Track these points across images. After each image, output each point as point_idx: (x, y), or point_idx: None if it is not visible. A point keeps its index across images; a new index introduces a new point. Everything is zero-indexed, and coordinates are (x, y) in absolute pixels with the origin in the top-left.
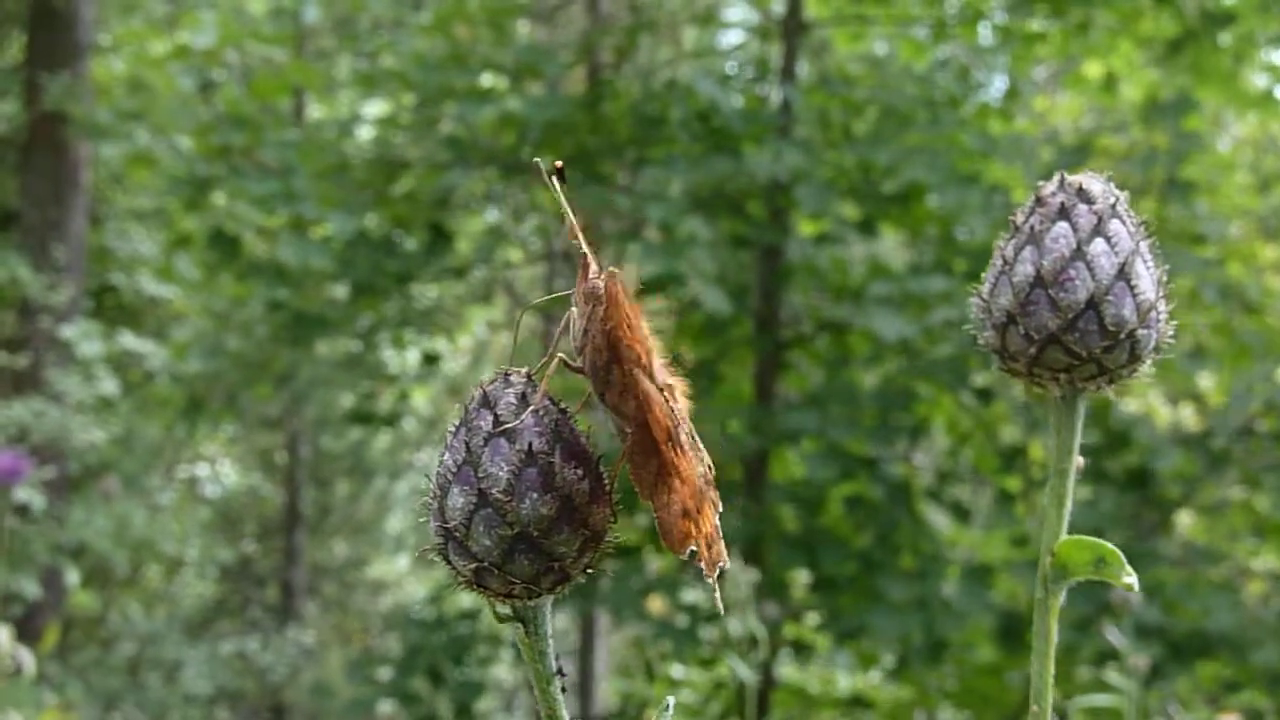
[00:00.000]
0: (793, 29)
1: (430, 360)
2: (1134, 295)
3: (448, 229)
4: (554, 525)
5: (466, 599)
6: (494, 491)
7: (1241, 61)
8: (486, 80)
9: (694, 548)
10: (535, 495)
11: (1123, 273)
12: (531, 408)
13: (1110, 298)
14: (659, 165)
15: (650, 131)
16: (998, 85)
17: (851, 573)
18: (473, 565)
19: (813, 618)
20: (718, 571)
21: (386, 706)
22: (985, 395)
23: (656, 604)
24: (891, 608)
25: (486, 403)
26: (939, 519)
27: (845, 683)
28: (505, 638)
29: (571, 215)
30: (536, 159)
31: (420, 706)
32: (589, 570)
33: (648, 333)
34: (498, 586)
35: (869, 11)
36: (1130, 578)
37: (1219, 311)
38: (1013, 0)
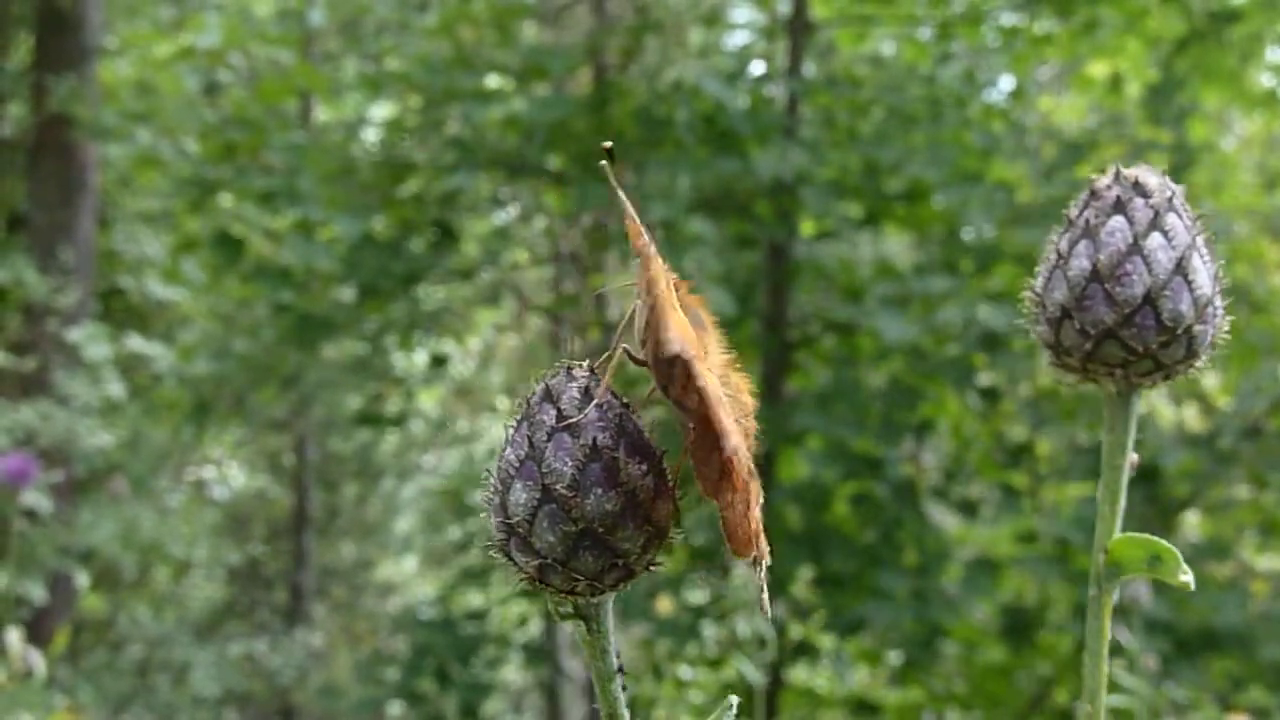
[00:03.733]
0: (798, 29)
1: (438, 362)
2: (1191, 290)
3: (454, 230)
4: (619, 521)
5: (474, 600)
6: (558, 487)
7: (1248, 60)
8: (492, 82)
9: (756, 553)
10: (600, 491)
11: (1180, 267)
12: (595, 402)
13: (1167, 293)
14: (664, 165)
15: (656, 133)
16: (1003, 85)
17: (855, 569)
18: (536, 562)
19: (818, 617)
20: (765, 568)
21: (395, 708)
22: (990, 394)
23: (664, 604)
24: (889, 600)
25: (549, 396)
26: (946, 517)
27: (849, 683)
28: (513, 639)
29: (627, 204)
30: (607, 143)
31: (428, 707)
32: (652, 567)
33: (709, 326)
34: (560, 584)
35: (873, 11)
36: (1186, 575)
37: (1229, 309)
38: (1018, 0)
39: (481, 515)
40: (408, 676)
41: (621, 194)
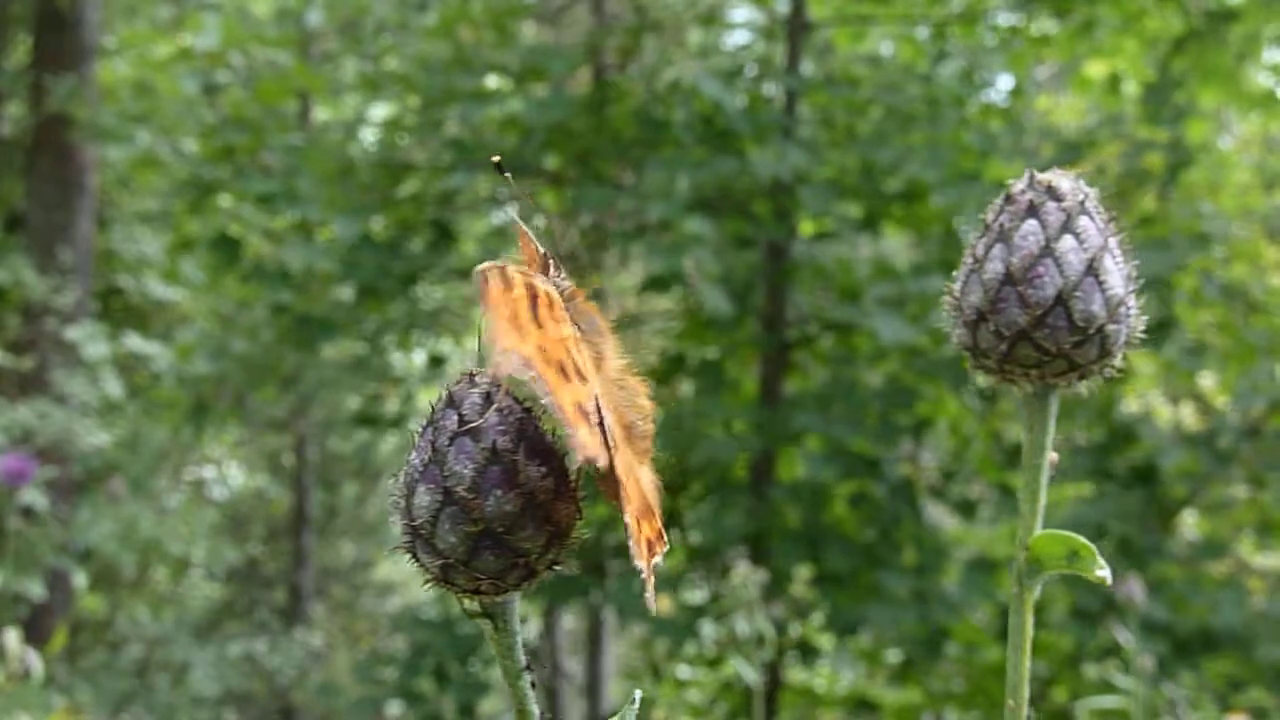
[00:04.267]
0: (796, 29)
1: (436, 362)
2: (1103, 291)
3: (453, 230)
4: (518, 522)
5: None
6: (459, 489)
7: (1245, 60)
8: (491, 82)
9: (659, 556)
10: (499, 493)
11: (1091, 268)
12: (495, 406)
13: (1079, 293)
14: (663, 165)
15: (654, 133)
16: (1001, 85)
17: (853, 569)
18: (439, 562)
19: (818, 617)
20: (653, 566)
21: (394, 708)
22: (988, 394)
23: (663, 604)
24: (889, 601)
25: (452, 402)
26: (944, 517)
27: (847, 682)
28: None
29: (530, 213)
30: (495, 158)
31: (426, 706)
32: (555, 566)
33: (605, 332)
34: (464, 583)
35: (870, 11)
36: (1103, 571)
37: (1223, 310)
38: None
39: (390, 518)
40: (406, 676)
41: (514, 212)
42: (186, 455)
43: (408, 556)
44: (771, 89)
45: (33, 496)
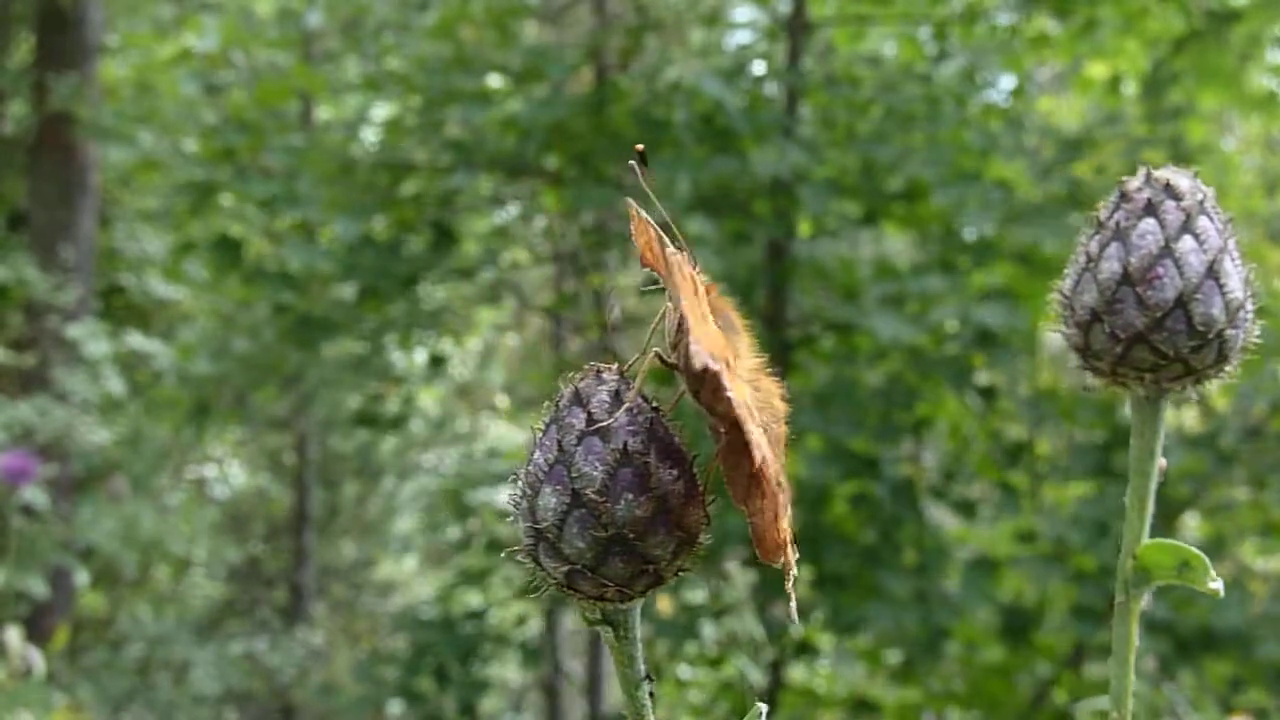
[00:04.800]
0: (797, 28)
1: (437, 362)
2: (1223, 294)
3: (453, 231)
4: (649, 527)
5: (473, 599)
6: (588, 492)
7: (1247, 61)
8: (493, 82)
9: (784, 560)
10: (631, 496)
11: (1212, 271)
12: (626, 405)
13: (1199, 296)
14: (663, 165)
15: (654, 133)
16: (1003, 85)
17: (854, 569)
18: (565, 568)
19: (818, 617)
20: (793, 576)
21: (395, 707)
22: (988, 393)
23: (664, 604)
24: (889, 601)
25: (579, 400)
26: (945, 517)
27: (846, 682)
28: (511, 638)
29: (659, 204)
30: (639, 145)
31: (427, 706)
32: (682, 573)
33: (740, 330)
34: (589, 589)
35: (870, 11)
36: (1216, 583)
37: None
38: None
39: (507, 520)
40: (407, 675)
41: (651, 192)
42: (188, 454)
43: (528, 561)
44: (772, 89)
45: (34, 494)
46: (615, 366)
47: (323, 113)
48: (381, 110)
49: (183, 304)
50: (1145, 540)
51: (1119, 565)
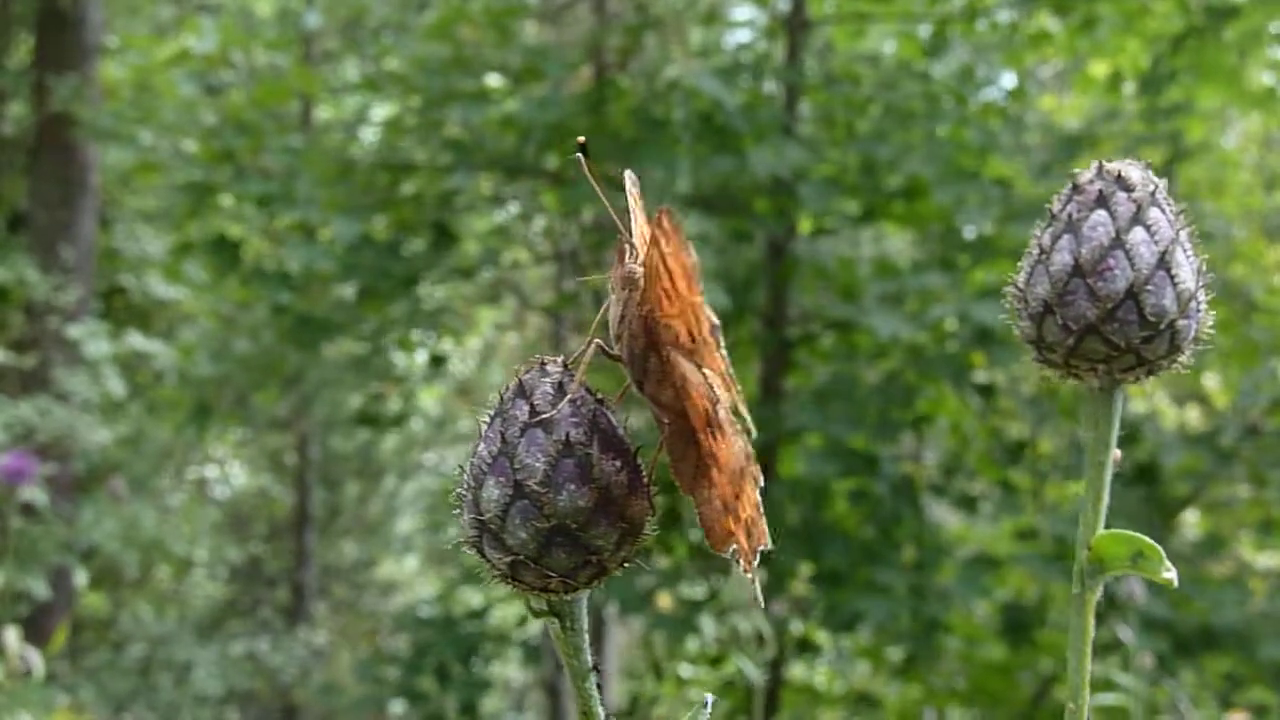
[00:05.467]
0: (796, 27)
1: (437, 361)
2: (1174, 285)
3: (452, 230)
4: (591, 518)
5: (473, 598)
6: (530, 483)
7: (1246, 58)
8: (492, 81)
9: (735, 547)
10: (573, 487)
11: (1163, 262)
12: (569, 397)
13: (1150, 287)
14: (662, 164)
15: (654, 132)
16: (1003, 83)
17: (853, 566)
18: (508, 559)
19: (817, 613)
20: (757, 560)
21: (396, 706)
22: (987, 391)
23: (664, 600)
24: (886, 596)
25: (523, 392)
26: (945, 515)
27: (849, 678)
28: (512, 637)
29: (601, 194)
30: (580, 137)
31: (428, 705)
32: (626, 563)
33: (696, 300)
34: (533, 580)
35: (869, 9)
36: (1170, 573)
37: (1225, 309)
38: None
39: (454, 512)
40: (408, 675)
41: (596, 184)
42: (189, 454)
43: (473, 552)
44: (771, 87)
45: (34, 494)
46: (560, 359)
47: (322, 113)
48: (381, 110)
49: (183, 305)
50: (1100, 531)
51: (1076, 557)
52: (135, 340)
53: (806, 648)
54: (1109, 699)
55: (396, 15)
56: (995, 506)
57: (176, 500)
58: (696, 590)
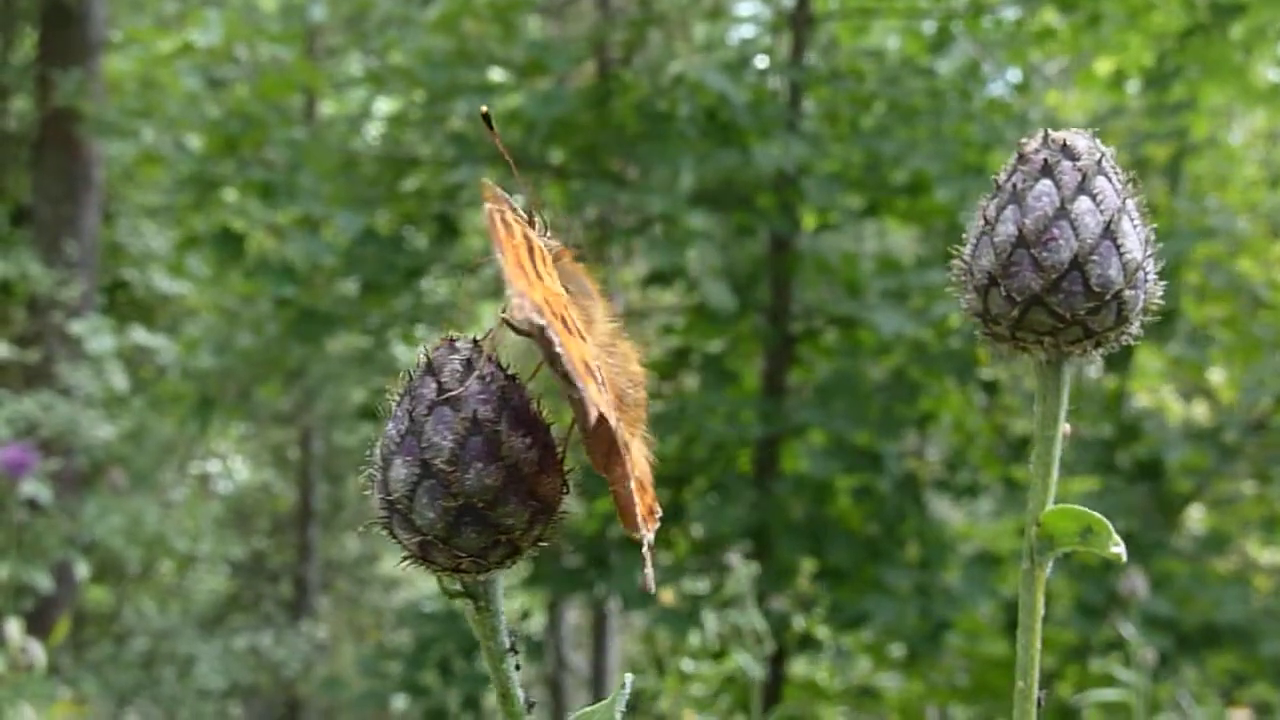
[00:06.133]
0: (801, 22)
1: None
2: (1120, 255)
3: (457, 225)
4: (500, 496)
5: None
6: (437, 462)
7: (1251, 55)
8: (496, 76)
9: (651, 529)
10: (480, 465)
11: (1108, 231)
12: (477, 373)
13: (1095, 257)
14: (666, 159)
15: (658, 126)
16: (1007, 79)
17: (856, 563)
18: (417, 539)
19: (820, 610)
20: (648, 543)
21: (400, 701)
22: (991, 388)
23: (666, 596)
24: (891, 595)
25: (431, 369)
26: (948, 511)
27: (850, 677)
28: (519, 632)
29: (513, 165)
30: (483, 108)
31: (431, 700)
32: (541, 543)
33: (594, 294)
34: (444, 561)
35: (874, 4)
36: (1118, 547)
37: (1229, 303)
38: None
39: (364, 494)
40: (411, 670)
41: (510, 160)
42: (192, 449)
43: (385, 533)
44: (776, 82)
45: (36, 488)
46: (470, 336)
47: (326, 108)
48: (385, 105)
49: (187, 299)
50: (1049, 507)
51: (1025, 533)
52: (138, 335)
53: (809, 644)
54: (1110, 695)
55: (400, 9)
56: (998, 503)
57: (179, 495)
58: (699, 585)
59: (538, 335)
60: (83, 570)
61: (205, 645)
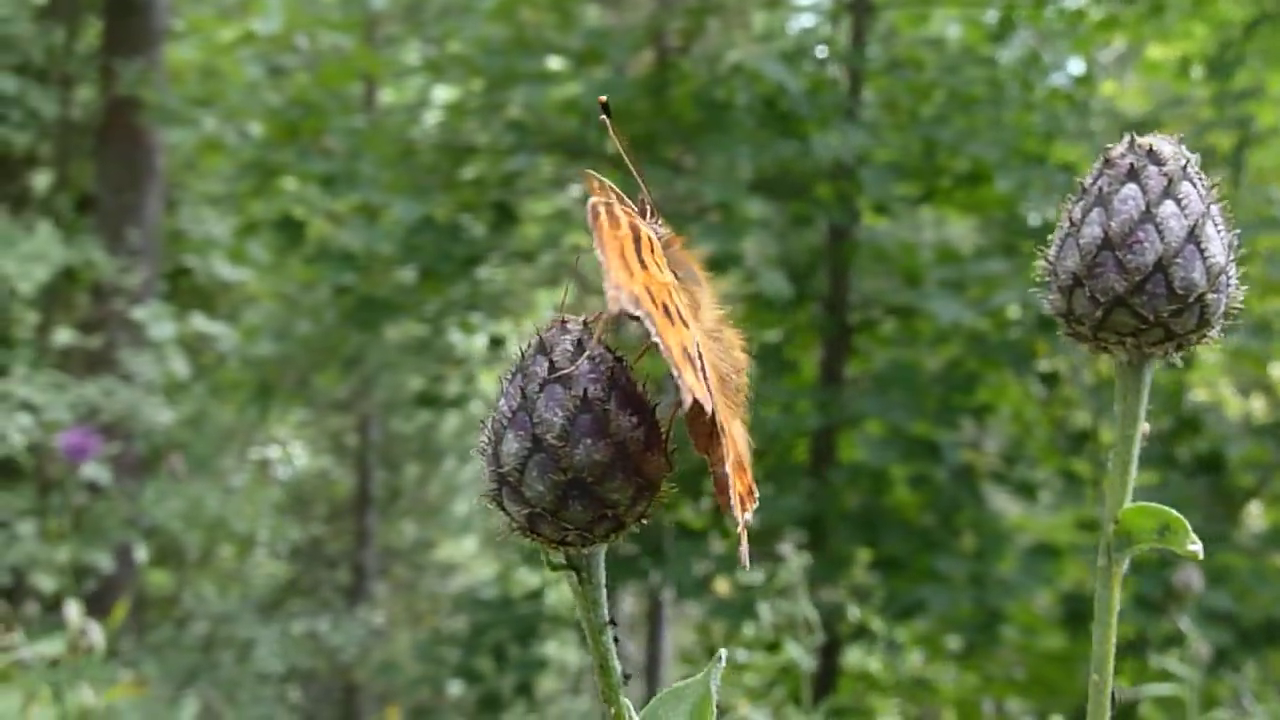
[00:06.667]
0: (860, 11)
1: (497, 344)
2: (1204, 258)
3: (514, 213)
4: (607, 472)
5: (531, 580)
6: (548, 437)
7: None
8: (553, 64)
9: (749, 510)
10: (589, 441)
11: (1193, 235)
12: (587, 354)
13: (1179, 260)
14: (723, 148)
15: (716, 116)
16: (1068, 69)
17: (912, 553)
18: (526, 511)
19: (876, 600)
20: (744, 523)
21: (455, 687)
22: (1050, 379)
23: (721, 586)
24: (946, 584)
25: (543, 349)
26: (1005, 504)
27: (902, 669)
28: (569, 618)
29: (629, 159)
30: (602, 97)
31: (485, 685)
32: (644, 520)
33: (702, 281)
34: (551, 533)
35: None
36: (1195, 545)
37: None
38: None
39: (475, 464)
40: (466, 655)
41: (625, 154)
42: (251, 435)
43: (493, 505)
44: (834, 72)
45: (98, 472)
46: (581, 317)
47: (385, 96)
48: (443, 93)
49: (247, 286)
50: (1127, 504)
51: (1101, 530)
52: (199, 322)
53: (863, 634)
54: (1165, 690)
55: None
56: (1056, 496)
57: (239, 480)
58: (754, 576)
59: (641, 322)
60: (142, 553)
61: (264, 629)
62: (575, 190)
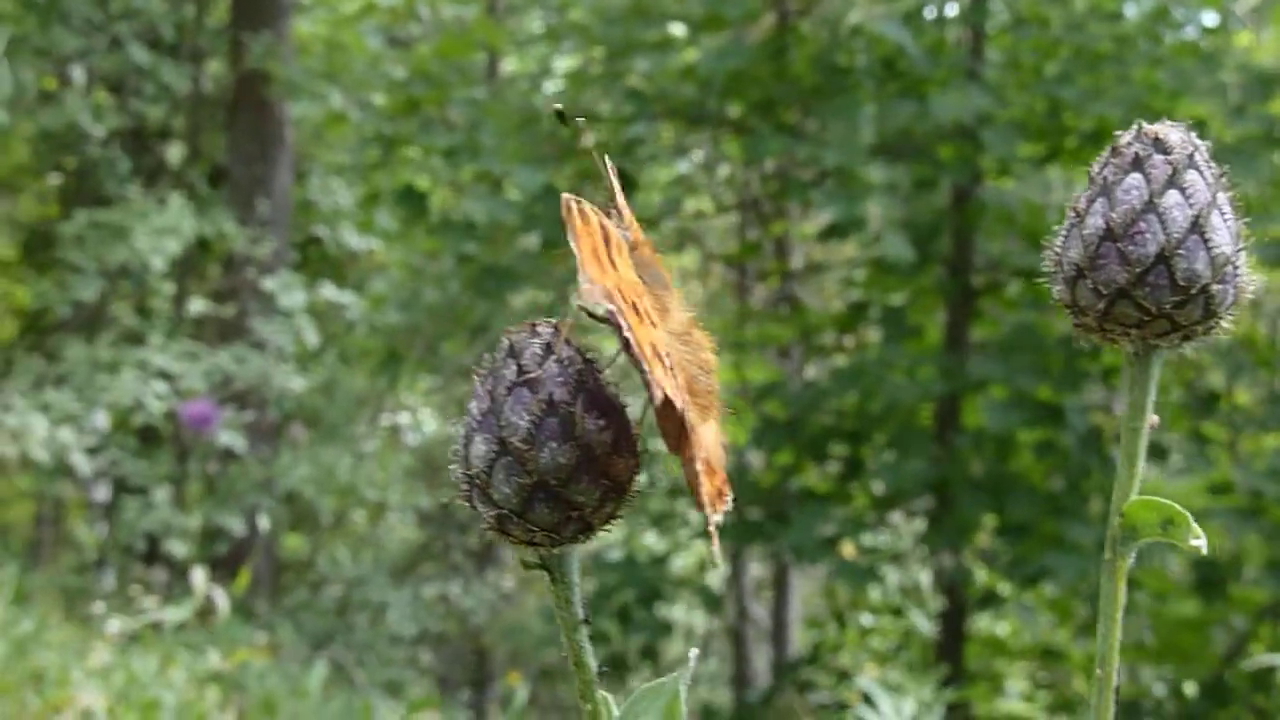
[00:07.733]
0: None
1: None
2: (1208, 249)
3: (635, 180)
4: (573, 475)
5: (657, 544)
6: (514, 440)
7: None
8: (674, 30)
9: (722, 510)
10: (555, 444)
11: (1196, 225)
12: (555, 357)
13: (1182, 251)
14: (843, 113)
15: (835, 79)
16: (1202, 21)
17: (1038, 518)
18: (494, 513)
19: (1001, 566)
20: (720, 516)
21: None
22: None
23: (848, 549)
24: (1073, 551)
25: (512, 352)
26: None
27: (1034, 634)
28: (694, 581)
29: (601, 162)
30: (557, 105)
31: (609, 647)
32: (612, 520)
33: (669, 284)
34: (519, 534)
35: None
36: (1198, 540)
37: None
38: None
39: (450, 466)
40: (591, 618)
41: (598, 158)
42: (382, 402)
43: (467, 505)
44: (956, 32)
45: (232, 438)
46: (552, 321)
47: (507, 66)
48: (564, 63)
49: (375, 255)
50: (1132, 497)
51: (1108, 523)
52: (328, 291)
53: (991, 600)
54: None
55: None
56: (1187, 459)
57: (370, 446)
58: (879, 539)
59: (608, 320)
60: (266, 521)
61: (396, 593)
62: (696, 156)
